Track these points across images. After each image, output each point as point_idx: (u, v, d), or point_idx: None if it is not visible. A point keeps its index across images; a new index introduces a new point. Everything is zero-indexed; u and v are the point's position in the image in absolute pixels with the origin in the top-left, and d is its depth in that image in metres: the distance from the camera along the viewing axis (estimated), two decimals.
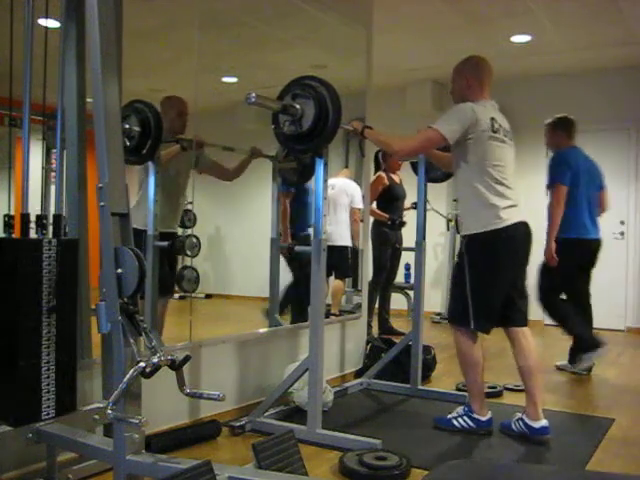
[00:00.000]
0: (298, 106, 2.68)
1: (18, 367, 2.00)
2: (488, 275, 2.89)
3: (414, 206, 4.18)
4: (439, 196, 7.14)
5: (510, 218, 2.85)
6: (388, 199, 5.49)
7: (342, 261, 4.73)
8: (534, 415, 2.88)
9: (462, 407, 3.07)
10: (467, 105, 2.89)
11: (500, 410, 3.41)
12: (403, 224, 5.60)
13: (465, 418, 3.01)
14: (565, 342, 5.87)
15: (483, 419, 2.99)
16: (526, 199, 7.26)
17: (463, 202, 2.98)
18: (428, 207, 3.95)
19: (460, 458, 2.68)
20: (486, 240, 2.86)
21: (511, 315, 2.97)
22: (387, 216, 5.47)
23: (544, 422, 2.87)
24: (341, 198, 4.83)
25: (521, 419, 2.92)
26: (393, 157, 4.66)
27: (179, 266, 3.43)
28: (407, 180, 5.65)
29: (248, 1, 3.74)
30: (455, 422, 3.02)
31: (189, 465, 1.75)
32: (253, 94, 2.50)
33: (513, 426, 2.95)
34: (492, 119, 2.89)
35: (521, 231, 2.91)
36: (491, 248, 2.87)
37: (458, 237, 7.13)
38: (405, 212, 5.68)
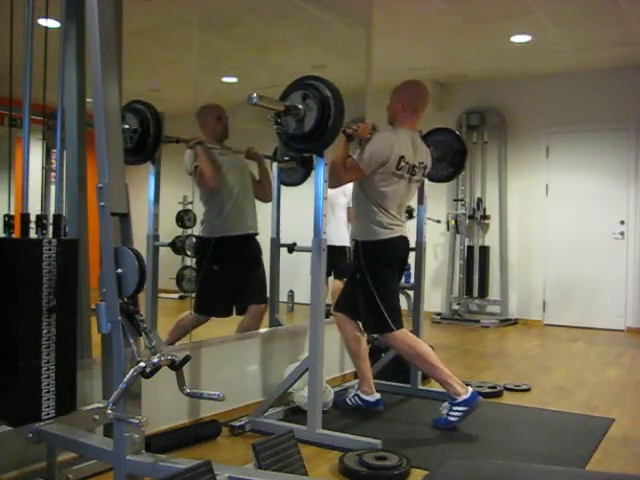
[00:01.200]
0: (301, 106, 2.68)
1: (18, 367, 2.00)
2: (382, 275, 3.19)
3: (411, 216, 4.16)
4: (440, 197, 7.14)
5: (393, 232, 3.18)
6: None
7: (341, 261, 4.73)
8: (370, 390, 3.33)
9: (446, 402, 3.08)
10: (388, 142, 3.10)
11: (500, 410, 3.41)
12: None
13: (455, 408, 3.03)
14: (565, 342, 5.89)
15: (466, 397, 3.02)
16: (526, 198, 7.32)
17: (358, 213, 3.28)
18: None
19: (460, 458, 2.68)
20: (374, 247, 3.17)
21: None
22: None
23: (378, 395, 3.33)
24: (338, 198, 4.82)
25: (357, 395, 3.35)
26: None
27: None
28: None
29: (248, 1, 3.74)
30: (451, 417, 3.03)
31: (189, 465, 1.75)
32: (255, 95, 2.49)
33: (349, 401, 3.37)
34: (401, 158, 3.11)
35: (401, 243, 3.25)
36: (379, 254, 3.18)
37: (458, 237, 7.19)
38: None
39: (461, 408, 3.01)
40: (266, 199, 3.71)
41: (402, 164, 3.13)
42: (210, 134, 3.37)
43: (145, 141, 2.89)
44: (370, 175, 3.10)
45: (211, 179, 3.28)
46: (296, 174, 3.92)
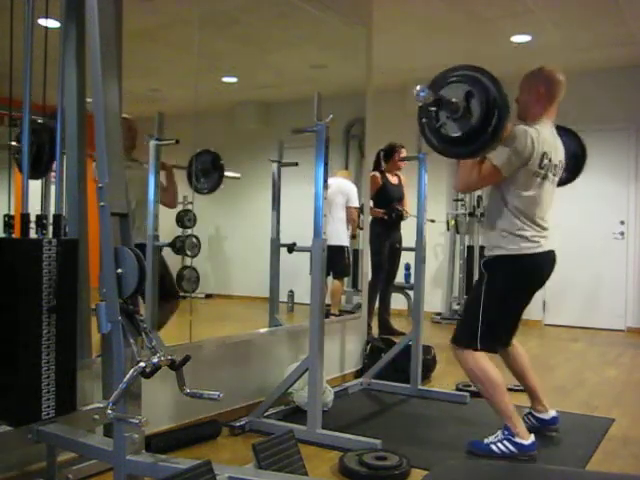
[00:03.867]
0: (458, 102, 2.40)
1: (18, 367, 2.01)
2: (504, 297, 2.77)
3: (412, 215, 4.18)
4: (440, 197, 7.14)
5: (539, 246, 2.75)
6: (382, 199, 5.51)
7: (339, 261, 4.74)
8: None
9: (500, 430, 2.74)
10: (528, 138, 2.66)
11: None
12: (400, 217, 5.59)
13: (506, 443, 2.69)
14: (565, 342, 5.89)
15: (526, 442, 2.67)
16: None
17: (492, 223, 2.80)
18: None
19: (460, 458, 2.68)
20: (510, 261, 2.73)
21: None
22: (382, 211, 5.48)
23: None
24: (337, 198, 4.84)
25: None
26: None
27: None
28: (408, 180, 5.65)
29: (248, 1, 3.74)
30: (495, 448, 2.70)
31: (189, 465, 1.75)
32: (419, 87, 2.28)
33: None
34: (543, 154, 2.70)
35: (547, 260, 2.81)
36: (511, 272, 2.75)
37: (458, 237, 7.18)
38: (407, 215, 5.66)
39: (513, 448, 2.66)
40: (171, 205, 3.66)
41: (545, 162, 2.70)
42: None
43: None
44: (509, 178, 2.67)
45: None
46: (208, 181, 3.79)
